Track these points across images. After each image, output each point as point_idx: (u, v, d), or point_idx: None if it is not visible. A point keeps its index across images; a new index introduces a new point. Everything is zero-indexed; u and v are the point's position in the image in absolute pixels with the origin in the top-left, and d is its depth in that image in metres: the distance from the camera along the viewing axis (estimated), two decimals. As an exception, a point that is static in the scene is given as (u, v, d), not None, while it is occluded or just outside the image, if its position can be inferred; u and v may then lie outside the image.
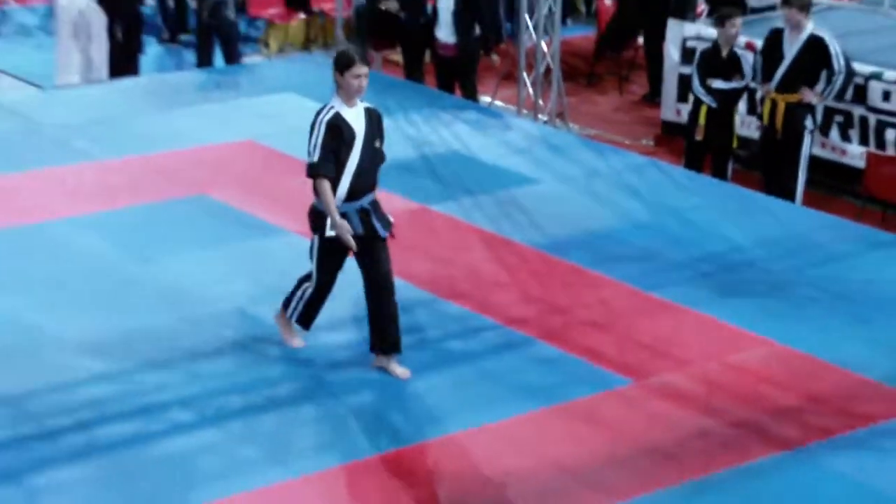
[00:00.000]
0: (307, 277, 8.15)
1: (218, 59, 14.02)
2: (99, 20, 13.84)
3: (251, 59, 14.85)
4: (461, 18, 12.65)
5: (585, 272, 9.47)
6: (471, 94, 13.04)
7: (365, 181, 7.84)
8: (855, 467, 7.13)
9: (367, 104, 8.01)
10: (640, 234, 10.13)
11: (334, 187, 7.72)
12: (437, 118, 12.45)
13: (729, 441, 7.36)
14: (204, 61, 13.99)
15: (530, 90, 13.09)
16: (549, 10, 12.95)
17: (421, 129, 12.20)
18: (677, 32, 13.05)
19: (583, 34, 16.35)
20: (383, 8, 13.23)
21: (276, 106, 12.54)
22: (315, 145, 7.72)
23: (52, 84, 13.95)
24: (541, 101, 13.06)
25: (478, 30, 12.82)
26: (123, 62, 13.81)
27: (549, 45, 13.02)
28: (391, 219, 8.01)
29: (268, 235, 9.84)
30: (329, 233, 7.76)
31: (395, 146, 11.60)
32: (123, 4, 13.68)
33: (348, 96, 7.84)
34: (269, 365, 8.11)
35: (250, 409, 7.61)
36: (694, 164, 11.65)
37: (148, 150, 11.27)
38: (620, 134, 13.31)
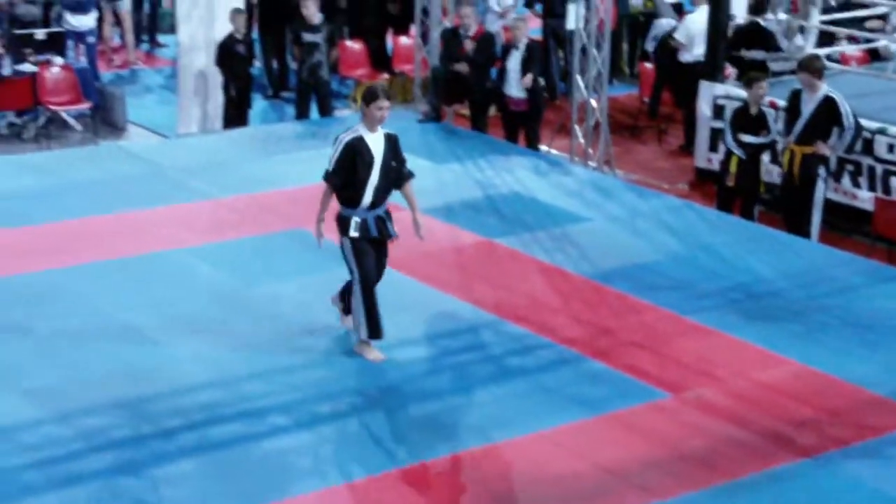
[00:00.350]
0: (348, 285, 8.32)
1: (314, 112, 14.02)
2: (216, 79, 13.90)
3: (342, 112, 14.82)
4: (527, 69, 12.59)
5: (629, 298, 9.32)
6: (534, 143, 12.96)
7: (382, 194, 8.15)
8: (868, 473, 6.98)
9: (386, 130, 8.20)
10: (677, 266, 9.96)
11: (357, 199, 8.04)
12: (501, 164, 12.34)
13: (756, 448, 7.20)
14: (302, 114, 14.00)
15: (581, 140, 12.98)
16: (598, 71, 12.85)
17: (486, 173, 12.11)
18: (708, 92, 12.93)
19: (627, 93, 16.21)
20: (455, 69, 13.17)
21: (363, 153, 12.47)
22: (333, 159, 8.07)
23: (174, 133, 14.01)
24: (591, 150, 12.94)
25: (542, 82, 12.74)
26: (235, 115, 13.85)
27: (597, 102, 12.92)
28: (419, 218, 8.37)
29: (355, 264, 9.75)
30: (353, 233, 8.08)
31: (463, 187, 11.63)
32: (237, 66, 13.71)
33: (371, 124, 8.10)
34: (355, 376, 8.04)
35: (338, 415, 7.54)
36: (725, 206, 11.51)
37: (253, 190, 11.25)
38: (659, 179, 13.14)
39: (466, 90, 13.35)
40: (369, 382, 7.95)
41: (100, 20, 16.43)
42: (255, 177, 11.64)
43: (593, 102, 12.88)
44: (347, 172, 8.03)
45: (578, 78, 12.90)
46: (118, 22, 17.19)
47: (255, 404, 7.57)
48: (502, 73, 12.88)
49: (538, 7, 16.59)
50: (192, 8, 13.85)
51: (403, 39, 15.84)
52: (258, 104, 15.08)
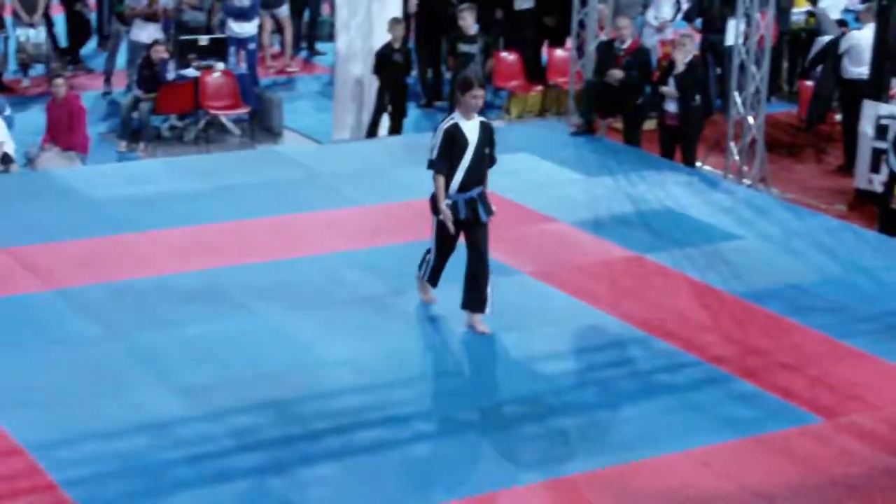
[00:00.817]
0: (429, 251, 8.86)
1: (467, 122, 14.04)
2: (371, 88, 14.06)
3: (494, 123, 14.80)
4: (684, 93, 12.43)
5: (781, 319, 9.12)
6: (689, 160, 12.77)
7: (474, 177, 8.51)
8: None
9: (482, 118, 8.62)
10: (832, 288, 9.71)
11: (449, 181, 8.44)
12: (653, 178, 12.20)
13: (912, 479, 6.96)
14: (454, 124, 14.02)
15: (736, 157, 12.76)
16: (756, 88, 12.62)
17: (638, 188, 11.99)
18: (872, 111, 12.59)
19: (785, 110, 15.88)
20: (607, 81, 13.08)
21: (515, 164, 12.46)
22: (434, 146, 8.51)
23: (328, 140, 14.21)
24: (746, 168, 12.71)
25: (698, 100, 12.57)
26: (377, 124, 13.96)
27: (754, 119, 12.68)
28: (494, 208, 8.64)
29: (504, 275, 9.72)
30: (441, 216, 8.50)
31: (614, 201, 11.53)
32: (393, 75, 13.84)
33: (466, 111, 8.51)
34: (501, 386, 8.03)
35: (481, 425, 7.54)
36: (887, 228, 11.17)
37: (405, 197, 11.32)
38: (816, 199, 12.83)
39: (620, 104, 13.25)
40: (516, 393, 7.92)
41: (259, 27, 16.77)
42: (407, 184, 11.71)
43: (750, 119, 12.65)
44: (451, 158, 8.45)
45: (736, 94, 12.70)
46: (278, 29, 17.53)
47: (401, 410, 7.61)
48: (659, 84, 12.71)
49: (697, 22, 16.37)
50: (350, 17, 14.05)
51: (559, 51, 15.79)
52: (412, 113, 15.19)
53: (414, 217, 10.78)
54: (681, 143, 12.80)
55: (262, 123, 14.71)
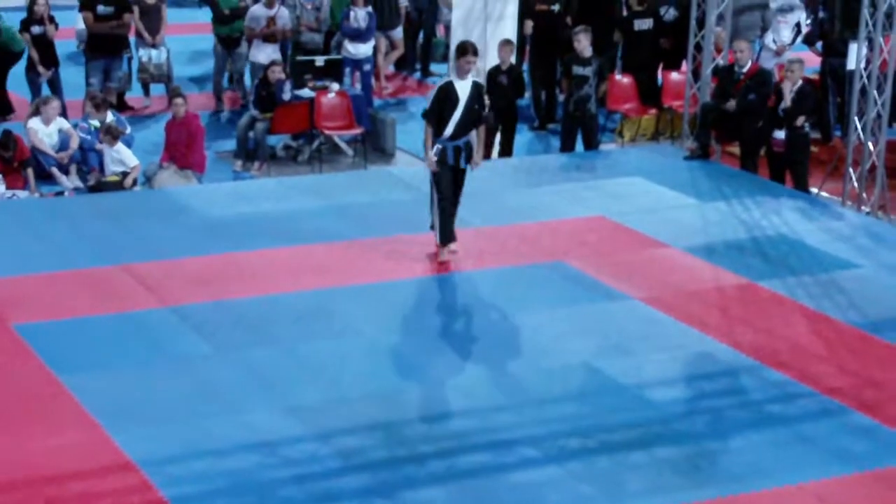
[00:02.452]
0: (430, 202, 10.28)
1: (579, 145, 14.01)
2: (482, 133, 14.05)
3: (607, 146, 14.76)
4: (790, 118, 12.24)
5: (900, 351, 8.91)
6: (801, 186, 12.56)
7: (462, 130, 10.07)
8: None
9: (475, 79, 10.26)
10: (954, 320, 9.45)
11: (442, 130, 10.01)
12: (768, 205, 12.01)
13: None
14: (567, 147, 14.01)
15: (855, 184, 12.51)
16: (877, 114, 12.37)
17: (752, 214, 11.81)
18: None
19: (907, 136, 15.54)
20: (724, 107, 12.93)
21: (627, 188, 12.41)
22: (429, 100, 10.22)
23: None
24: (864, 195, 12.45)
25: (806, 127, 12.36)
26: (489, 144, 13.94)
27: (874, 145, 12.42)
28: (478, 161, 10.32)
29: (614, 300, 9.68)
30: (432, 156, 9.99)
31: (727, 227, 11.38)
32: (499, 97, 13.85)
33: (460, 73, 10.12)
34: (608, 413, 7.95)
35: (588, 451, 7.48)
36: None
37: (513, 220, 11.32)
38: (939, 227, 12.50)
39: (738, 128, 13.08)
40: (622, 420, 7.84)
41: (374, 48, 16.92)
42: (518, 207, 11.72)
43: (870, 145, 12.40)
44: (440, 111, 9.99)
45: (856, 119, 12.45)
46: (393, 49, 17.66)
47: (507, 435, 7.58)
48: (772, 113, 12.54)
49: (818, 45, 16.11)
50: (465, 38, 14.07)
51: (674, 75, 15.66)
52: (525, 136, 15.20)
53: (520, 241, 10.78)
54: (790, 170, 12.59)
55: (375, 144, 14.83)
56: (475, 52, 10.22)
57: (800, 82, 12.42)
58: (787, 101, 12.30)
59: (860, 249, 10.97)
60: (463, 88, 10.07)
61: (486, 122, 10.40)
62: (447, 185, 10.15)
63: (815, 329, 9.28)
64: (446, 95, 10.03)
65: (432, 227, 10.31)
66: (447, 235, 10.24)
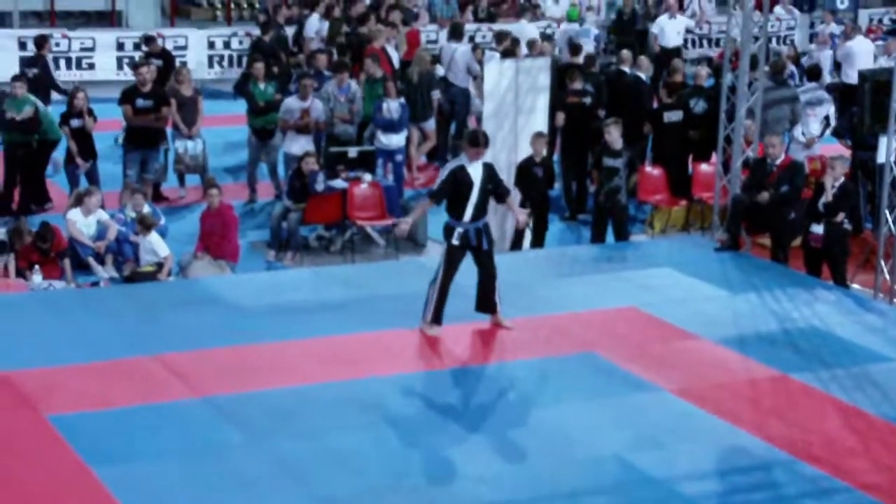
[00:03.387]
0: (433, 281, 10.52)
1: (610, 236, 14.06)
2: (514, 201, 14.15)
3: (637, 237, 14.81)
4: (831, 213, 12.25)
5: (935, 446, 8.81)
6: (840, 280, 12.50)
7: (480, 211, 10.48)
8: None
9: (485, 160, 10.58)
10: None
11: (462, 215, 10.42)
12: (799, 297, 11.98)
13: None
14: (598, 237, 14.07)
15: (887, 276, 12.47)
16: (908, 205, 12.38)
17: (783, 306, 11.78)
18: None
19: (938, 228, 15.50)
20: (757, 199, 12.98)
21: (657, 279, 12.41)
22: (439, 181, 10.53)
23: (471, 252, 14.30)
24: (896, 287, 12.42)
25: (846, 224, 12.36)
26: (521, 238, 14.03)
27: (905, 237, 12.42)
28: (493, 238, 10.77)
29: (645, 391, 9.66)
30: (454, 242, 10.44)
31: (759, 319, 11.36)
32: (533, 189, 13.96)
33: (472, 159, 10.45)
34: (640, 507, 7.90)
35: (621, 546, 7.42)
36: None
37: (545, 312, 11.34)
38: (972, 320, 12.41)
39: (769, 220, 13.11)
40: (655, 515, 7.79)
41: (407, 139, 17.10)
42: (549, 298, 11.74)
43: (901, 237, 12.38)
44: (449, 193, 10.41)
45: (886, 212, 12.46)
46: (425, 140, 17.84)
47: (539, 528, 7.54)
48: (810, 207, 12.56)
49: (847, 139, 16.18)
50: (497, 130, 14.24)
51: (704, 166, 15.73)
52: (556, 226, 15.26)
53: (551, 332, 10.79)
54: (829, 265, 12.57)
55: (407, 235, 14.91)
56: (486, 144, 10.65)
57: (842, 178, 12.44)
58: (828, 196, 12.31)
59: (892, 342, 10.91)
60: (475, 171, 10.42)
61: (507, 193, 10.86)
62: (455, 267, 10.52)
63: (848, 423, 9.21)
64: (460, 179, 10.38)
65: (423, 314, 10.60)
66: (438, 316, 10.57)
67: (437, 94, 17.29)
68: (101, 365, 9.82)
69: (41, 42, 18.40)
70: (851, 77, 18.10)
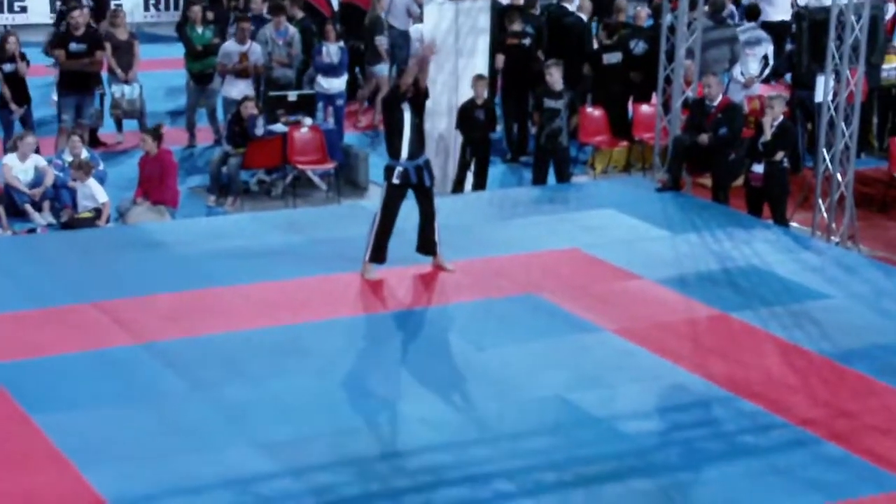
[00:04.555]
0: (372, 221, 10.42)
1: (551, 178, 14.07)
2: (456, 143, 14.13)
3: (579, 178, 14.84)
4: (770, 153, 12.31)
5: (872, 381, 8.94)
6: (780, 221, 12.59)
7: (417, 147, 10.37)
8: None
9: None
10: (924, 349, 9.50)
11: (399, 153, 10.33)
12: (739, 236, 12.07)
13: None
14: (539, 180, 14.07)
15: (825, 215, 12.59)
16: (846, 145, 12.47)
17: (724, 245, 11.86)
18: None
19: (875, 166, 15.66)
20: (697, 140, 13.02)
21: (599, 220, 12.45)
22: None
23: (413, 195, 14.24)
24: (834, 225, 12.53)
25: (786, 163, 12.44)
26: (463, 179, 14.01)
27: (843, 176, 12.52)
28: (434, 176, 10.68)
29: (587, 332, 9.70)
30: (394, 181, 10.31)
31: (699, 259, 11.42)
32: (475, 131, 13.91)
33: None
34: (582, 446, 7.94)
35: (563, 485, 7.48)
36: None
37: (487, 254, 11.34)
38: (909, 257, 12.61)
39: (709, 160, 13.17)
40: (597, 452, 7.84)
41: (351, 83, 16.96)
42: (490, 240, 11.74)
43: (839, 176, 12.49)
44: (389, 119, 10.41)
45: (824, 151, 12.55)
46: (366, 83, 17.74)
47: (481, 469, 7.57)
48: (751, 147, 12.61)
49: (787, 77, 16.24)
50: (437, 73, 14.12)
51: (644, 107, 15.76)
52: (497, 168, 15.24)
53: (493, 275, 10.79)
54: (769, 204, 12.66)
55: (348, 178, 14.85)
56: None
57: (780, 117, 12.50)
58: (767, 136, 12.36)
59: (830, 280, 11.03)
60: (406, 109, 10.29)
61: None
62: (395, 207, 10.45)
63: (787, 360, 9.31)
64: (393, 111, 10.34)
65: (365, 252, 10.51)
66: (379, 255, 10.51)
67: (381, 41, 17.09)
68: (39, 312, 9.70)
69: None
70: (771, 15, 18.18)
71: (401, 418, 8.26)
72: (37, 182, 13.06)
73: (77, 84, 15.17)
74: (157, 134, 13.16)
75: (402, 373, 8.95)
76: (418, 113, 10.42)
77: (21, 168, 13.06)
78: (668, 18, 14.36)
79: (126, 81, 15.76)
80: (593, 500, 7.29)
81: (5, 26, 18.98)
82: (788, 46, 16.85)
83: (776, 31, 17.88)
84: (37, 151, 13.89)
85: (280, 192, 14.50)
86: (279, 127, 14.50)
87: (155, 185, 13.02)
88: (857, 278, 11.10)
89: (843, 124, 12.40)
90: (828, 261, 11.58)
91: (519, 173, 15.53)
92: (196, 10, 16.42)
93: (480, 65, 14.41)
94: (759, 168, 12.49)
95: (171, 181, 13.16)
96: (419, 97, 10.38)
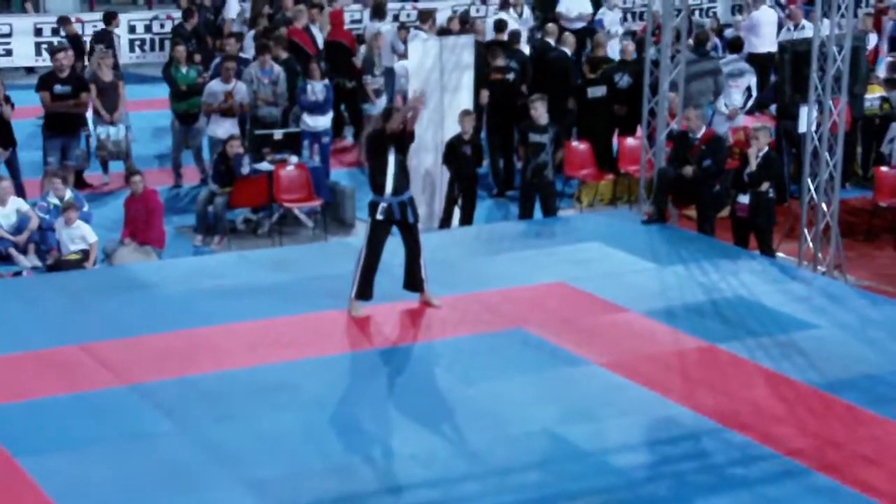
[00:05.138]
0: (357, 258, 10.48)
1: (538, 212, 14.11)
2: (443, 179, 14.17)
3: (565, 212, 14.88)
4: (755, 183, 12.39)
5: (860, 411, 8.97)
6: (766, 250, 12.64)
7: (401, 183, 10.41)
8: None
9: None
10: (912, 378, 9.52)
11: (383, 189, 10.40)
12: (726, 267, 12.11)
13: None
14: (526, 214, 14.10)
15: (811, 244, 12.64)
16: (830, 175, 12.54)
17: (710, 277, 11.91)
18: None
19: (860, 195, 15.73)
20: (682, 173, 13.09)
21: (586, 253, 12.49)
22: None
23: (398, 231, 14.28)
24: (820, 255, 12.58)
25: (772, 193, 12.51)
26: (450, 215, 14.05)
27: (828, 206, 12.58)
28: (419, 214, 10.69)
29: (575, 365, 9.72)
30: (378, 217, 10.38)
31: (686, 290, 11.46)
32: (462, 167, 13.95)
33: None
34: (572, 480, 7.96)
35: (553, 519, 7.47)
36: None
37: (475, 289, 11.35)
38: (894, 286, 12.62)
39: (694, 193, 13.23)
40: (587, 486, 7.85)
41: (336, 119, 17.00)
42: (478, 275, 11.76)
43: (824, 206, 12.55)
44: (372, 152, 10.47)
45: (809, 181, 12.62)
46: (352, 121, 17.77)
47: (471, 505, 7.57)
48: (736, 178, 12.69)
49: (772, 108, 16.33)
50: (422, 110, 14.20)
51: (629, 140, 15.83)
52: (484, 203, 15.28)
53: (480, 309, 10.81)
54: (755, 234, 12.71)
55: (334, 215, 14.87)
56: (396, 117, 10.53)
57: (766, 148, 12.57)
58: (752, 167, 12.44)
59: (817, 310, 11.07)
60: (390, 144, 10.34)
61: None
62: (379, 243, 10.50)
63: (775, 391, 9.34)
64: (377, 144, 10.37)
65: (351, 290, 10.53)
66: (364, 292, 10.53)
67: (369, 80, 17.13)
68: (25, 355, 9.69)
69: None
70: (757, 47, 18.32)
71: (390, 454, 8.25)
72: (21, 225, 13.03)
73: (62, 126, 15.19)
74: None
75: (391, 409, 8.95)
76: (402, 151, 10.48)
77: (2, 213, 13.03)
78: (651, 52, 14.47)
79: (112, 122, 15.79)
80: (583, 534, 7.29)
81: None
82: (774, 78, 16.96)
83: (762, 62, 18.05)
84: (23, 195, 13.90)
85: (267, 230, 14.51)
86: (265, 165, 14.52)
87: (141, 225, 13.03)
88: (843, 308, 11.14)
89: (826, 154, 12.48)
90: (814, 291, 11.62)
91: (506, 208, 15.57)
92: (181, 49, 16.48)
93: (465, 100, 14.48)
94: (744, 199, 12.56)
95: (158, 221, 13.17)
96: (405, 139, 10.46)
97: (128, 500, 7.52)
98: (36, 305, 10.84)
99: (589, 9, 20.42)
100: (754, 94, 16.08)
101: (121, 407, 8.83)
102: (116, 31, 19.74)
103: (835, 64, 12.34)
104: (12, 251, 12.88)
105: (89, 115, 15.89)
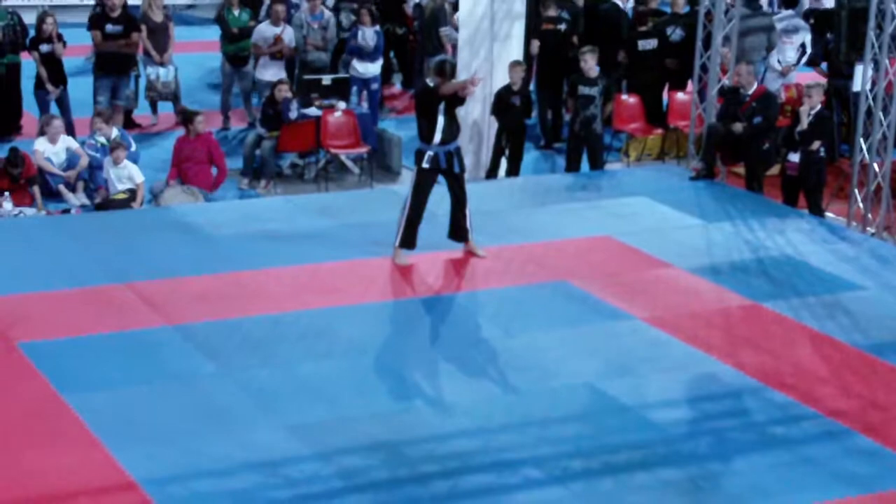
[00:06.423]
0: (403, 206, 10.45)
1: (584, 165, 14.02)
2: (491, 130, 14.10)
3: (612, 166, 14.78)
4: (806, 142, 12.23)
5: (905, 374, 8.88)
6: (815, 211, 12.51)
7: (449, 134, 10.34)
8: None
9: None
10: (958, 342, 9.42)
11: (431, 138, 10.34)
12: (773, 226, 12.00)
13: None
14: (573, 166, 14.03)
15: (861, 205, 12.50)
16: (883, 135, 12.36)
17: (757, 235, 11.80)
18: None
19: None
20: (731, 129, 12.94)
21: (632, 208, 12.41)
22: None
23: (446, 180, 14.24)
24: (870, 216, 12.44)
25: (822, 152, 12.35)
26: (497, 166, 13.99)
27: (880, 166, 12.42)
28: (465, 164, 10.69)
29: (618, 320, 9.67)
30: (424, 165, 10.34)
31: (732, 248, 11.37)
32: (510, 118, 13.87)
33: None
34: (611, 433, 7.94)
35: (591, 472, 7.47)
36: None
37: (520, 241, 11.32)
38: (944, 248, 12.47)
39: (744, 150, 13.09)
40: (626, 441, 7.83)
41: (386, 67, 16.92)
42: (523, 227, 11.72)
43: (875, 166, 12.39)
44: (423, 105, 10.35)
45: (861, 140, 12.45)
46: (402, 68, 17.68)
47: (509, 455, 7.57)
48: (787, 136, 12.53)
49: (823, 66, 16.11)
50: (472, 58, 14.13)
51: (680, 95, 15.67)
52: (531, 155, 15.20)
53: (525, 261, 10.77)
54: (804, 193, 12.57)
55: (381, 163, 14.86)
56: (453, 74, 10.62)
57: (818, 106, 12.40)
58: (803, 125, 12.28)
59: (865, 271, 10.95)
60: (441, 101, 10.26)
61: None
62: (425, 192, 10.47)
63: (819, 351, 9.26)
64: (428, 97, 10.29)
65: (396, 237, 10.52)
66: (409, 240, 10.51)
67: (446, 31, 16.96)
68: (72, 292, 9.77)
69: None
70: (825, 2, 18.02)
71: (431, 403, 8.27)
72: (70, 163, 13.13)
73: (113, 66, 15.24)
74: (190, 116, 13.25)
75: (432, 358, 8.96)
76: (451, 111, 10.41)
77: (52, 151, 13.13)
78: (705, 5, 14.27)
79: (161, 63, 15.81)
80: (621, 488, 7.28)
81: (43, 7, 19.06)
82: (827, 35, 16.70)
83: (823, 18, 17.72)
84: (72, 133, 13.99)
85: (313, 175, 14.53)
86: (313, 111, 14.51)
87: (194, 166, 13.09)
88: (892, 270, 11.02)
89: (880, 114, 12.30)
90: (863, 251, 11.50)
91: (552, 160, 15.48)
92: (233, -8, 16.46)
93: (515, 50, 14.37)
94: (795, 157, 12.41)
95: (219, 162, 13.26)
96: (455, 101, 10.36)
97: (170, 440, 7.58)
98: (83, 243, 10.91)
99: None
100: (808, 50, 15.85)
101: (165, 347, 8.89)
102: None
103: (893, 21, 12.12)
104: (62, 188, 13.00)
105: (139, 55, 15.93)
